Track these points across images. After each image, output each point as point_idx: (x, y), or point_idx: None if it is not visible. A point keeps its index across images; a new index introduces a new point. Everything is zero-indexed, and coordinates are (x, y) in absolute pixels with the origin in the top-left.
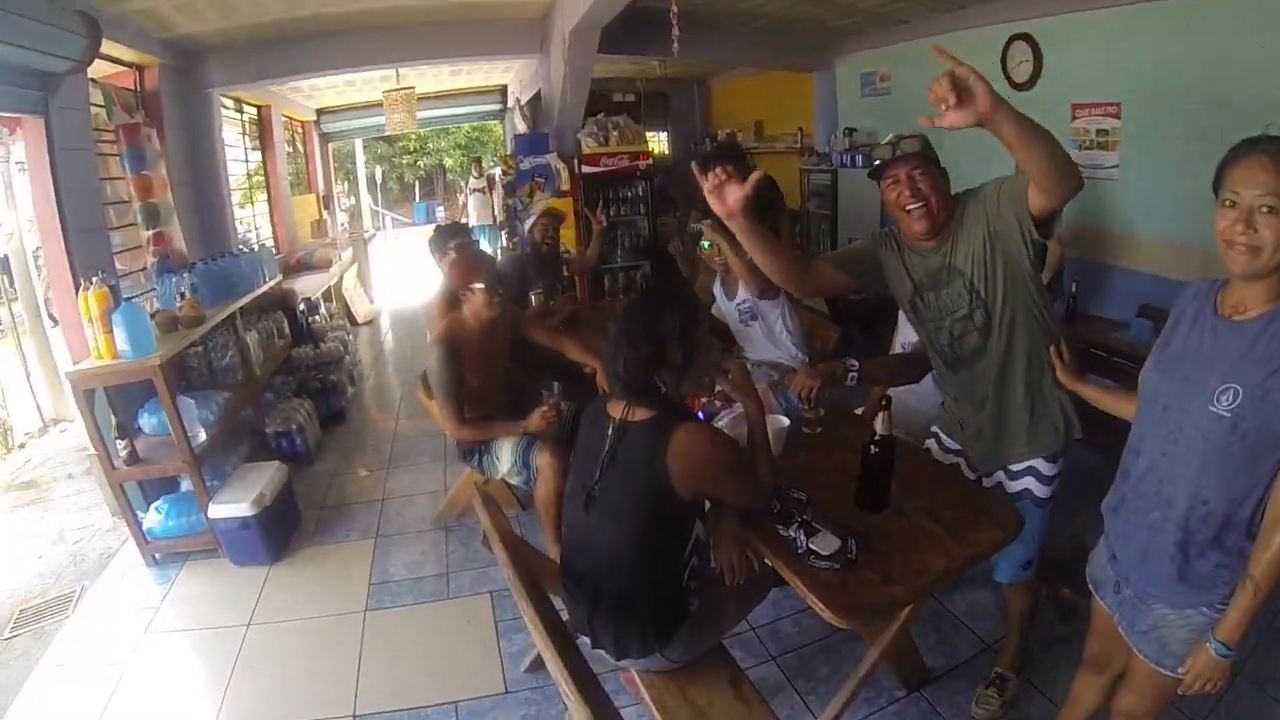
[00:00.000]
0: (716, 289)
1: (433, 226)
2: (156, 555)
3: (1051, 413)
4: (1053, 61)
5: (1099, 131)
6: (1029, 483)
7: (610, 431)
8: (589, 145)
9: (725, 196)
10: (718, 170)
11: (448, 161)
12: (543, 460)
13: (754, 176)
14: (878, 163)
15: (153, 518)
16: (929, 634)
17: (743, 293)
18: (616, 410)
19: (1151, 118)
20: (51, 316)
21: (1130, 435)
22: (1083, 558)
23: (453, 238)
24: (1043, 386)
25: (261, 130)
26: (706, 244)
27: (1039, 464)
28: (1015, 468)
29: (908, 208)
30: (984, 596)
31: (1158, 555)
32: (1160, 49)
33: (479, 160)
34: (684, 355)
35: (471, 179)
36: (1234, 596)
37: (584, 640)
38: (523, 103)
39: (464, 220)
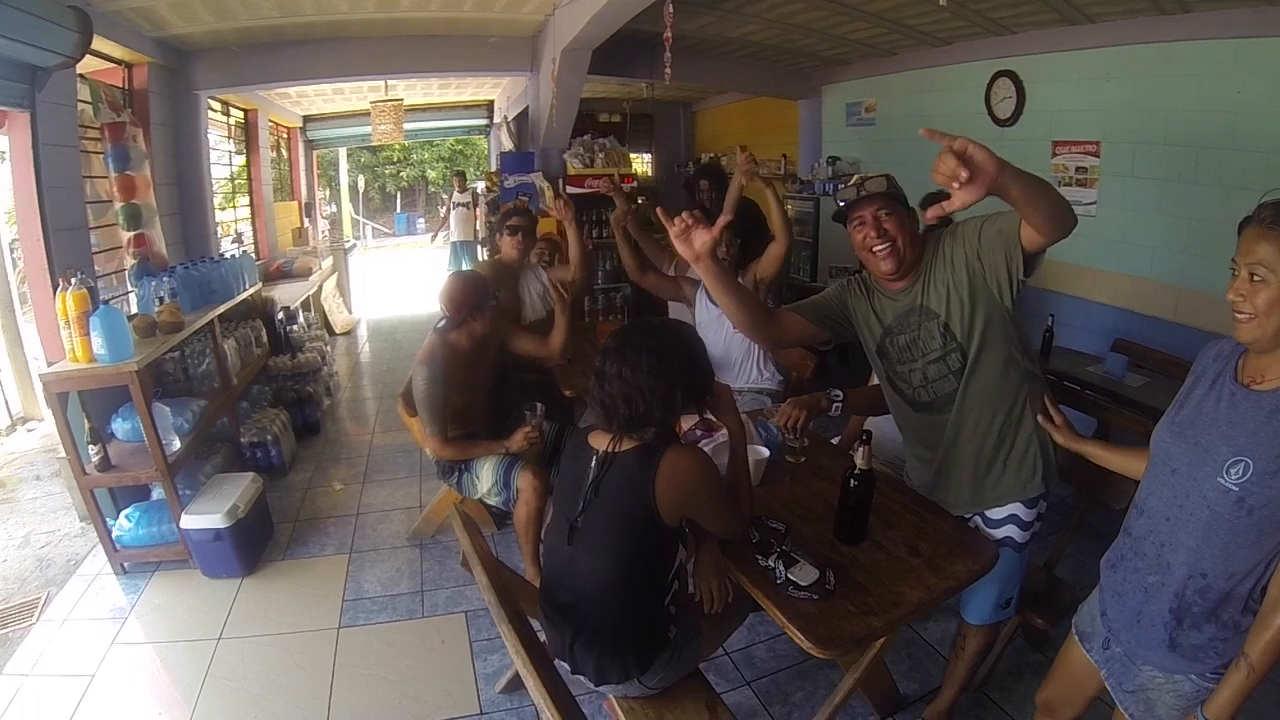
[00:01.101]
0: (701, 300)
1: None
2: (125, 564)
3: (1029, 458)
4: (1035, 99)
5: (1078, 169)
6: (1010, 530)
7: (594, 463)
8: (574, 166)
9: (692, 240)
10: (684, 215)
11: (430, 174)
12: (524, 481)
13: (722, 221)
14: (842, 204)
15: (123, 525)
16: (902, 660)
17: None
18: (601, 441)
19: (1129, 157)
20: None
21: (1137, 493)
22: (1055, 587)
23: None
24: (1019, 431)
25: (247, 135)
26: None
27: (1019, 510)
28: (996, 515)
29: (874, 249)
30: (957, 624)
31: (1150, 620)
32: (1140, 91)
33: (462, 174)
34: (682, 388)
35: (455, 194)
36: (1227, 674)
37: (562, 666)
38: (509, 119)
39: (446, 232)
